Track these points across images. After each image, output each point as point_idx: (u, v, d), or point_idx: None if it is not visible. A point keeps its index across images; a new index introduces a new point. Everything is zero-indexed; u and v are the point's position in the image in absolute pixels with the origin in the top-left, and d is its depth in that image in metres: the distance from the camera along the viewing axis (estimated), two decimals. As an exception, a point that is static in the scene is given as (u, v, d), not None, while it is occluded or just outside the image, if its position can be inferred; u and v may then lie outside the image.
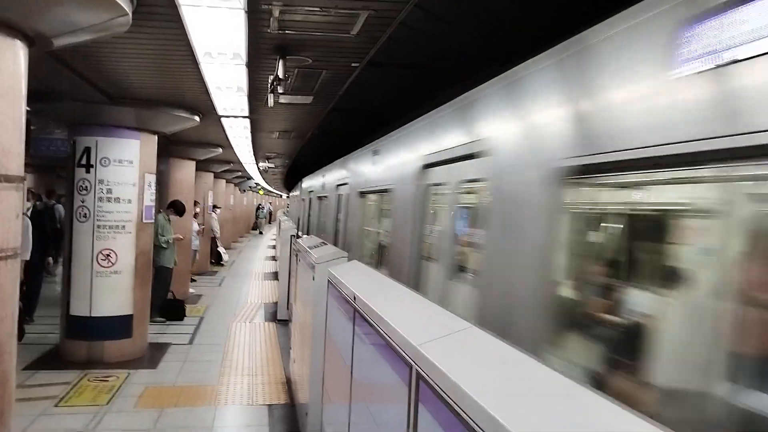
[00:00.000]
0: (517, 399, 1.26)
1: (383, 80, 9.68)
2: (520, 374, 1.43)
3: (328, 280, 3.75)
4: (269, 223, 43.50)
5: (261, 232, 35.64)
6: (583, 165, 2.19)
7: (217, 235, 16.93)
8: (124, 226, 6.88)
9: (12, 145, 3.01)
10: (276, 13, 3.82)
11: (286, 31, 4.25)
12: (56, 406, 5.48)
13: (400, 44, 8.19)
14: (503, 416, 1.12)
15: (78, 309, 6.81)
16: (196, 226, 12.71)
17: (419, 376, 1.66)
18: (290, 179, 30.60)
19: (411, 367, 1.74)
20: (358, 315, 2.71)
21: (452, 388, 1.38)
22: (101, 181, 6.75)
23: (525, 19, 6.47)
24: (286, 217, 18.50)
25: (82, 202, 6.72)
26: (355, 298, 2.77)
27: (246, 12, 3.62)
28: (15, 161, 3.05)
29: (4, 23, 2.88)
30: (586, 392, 1.23)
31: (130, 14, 3.29)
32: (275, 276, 14.28)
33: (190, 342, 8.10)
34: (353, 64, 5.27)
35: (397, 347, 1.92)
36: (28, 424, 5.00)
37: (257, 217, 37.67)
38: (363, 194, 6.90)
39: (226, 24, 3.87)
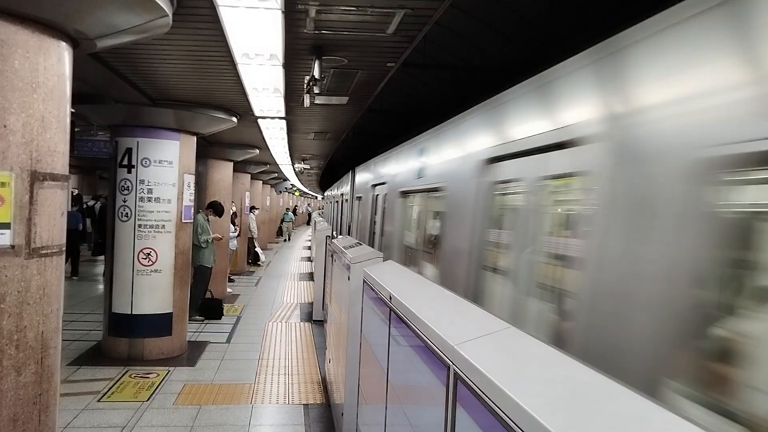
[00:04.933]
0: (559, 400, 1.22)
1: (418, 81, 9.65)
2: (560, 375, 1.38)
3: (364, 280, 3.74)
4: (308, 224, 41.44)
5: (287, 239, 29.93)
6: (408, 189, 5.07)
7: (255, 235, 17.15)
8: (164, 226, 7.02)
9: (57, 144, 3.08)
10: (312, 13, 3.83)
11: (323, 31, 4.26)
12: (99, 401, 5.61)
13: (436, 44, 8.16)
14: (545, 417, 1.08)
15: (120, 306, 6.97)
16: (232, 229, 12.87)
17: (457, 377, 1.63)
18: (325, 180, 30.81)
19: (449, 368, 1.71)
20: (394, 315, 2.68)
21: (491, 389, 1.34)
22: (142, 182, 6.90)
23: (556, 24, 6.37)
24: (321, 218, 18.61)
25: (124, 202, 6.88)
26: (391, 298, 2.74)
27: (283, 12, 3.64)
28: (60, 160, 3.13)
29: (49, 25, 2.95)
30: (630, 394, 1.18)
31: (171, 16, 3.34)
32: (311, 276, 14.38)
33: (228, 341, 8.21)
34: (389, 64, 5.25)
35: (435, 347, 1.89)
36: (72, 418, 5.13)
37: (282, 220, 30.76)
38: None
39: (263, 24, 3.90)
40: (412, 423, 2.31)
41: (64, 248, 3.25)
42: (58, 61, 3.06)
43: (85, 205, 18.13)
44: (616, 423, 1.11)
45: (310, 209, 53.15)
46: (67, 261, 13.06)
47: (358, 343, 3.92)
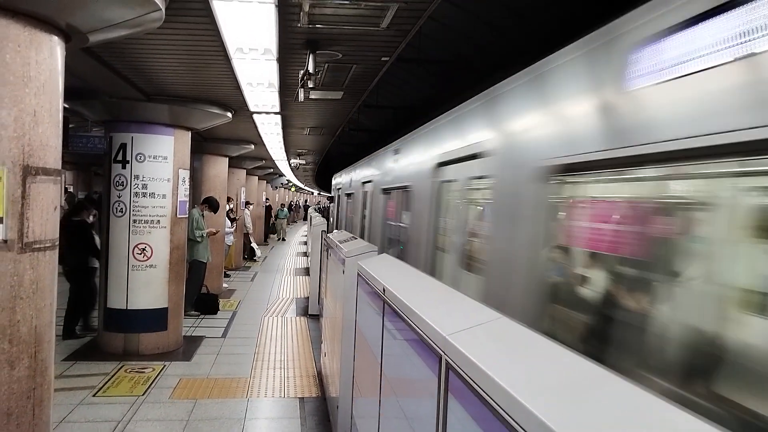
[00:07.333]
0: (548, 388, 1.23)
1: (413, 75, 9.63)
2: (551, 364, 1.39)
3: (358, 274, 3.75)
4: (304, 219, 40.14)
5: (283, 239, 27.22)
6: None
7: (250, 231, 17.13)
8: (159, 221, 7.01)
9: (49, 138, 3.08)
10: (306, 7, 3.82)
11: (317, 25, 4.25)
12: (94, 396, 5.62)
13: (430, 39, 8.14)
14: (534, 405, 1.09)
15: (115, 302, 6.97)
16: (228, 224, 12.84)
17: (449, 367, 1.64)
18: (321, 176, 30.68)
19: (440, 358, 1.72)
20: (387, 307, 2.69)
21: (482, 378, 1.35)
22: (137, 177, 6.88)
23: (548, 16, 6.35)
24: (316, 214, 18.58)
25: (119, 197, 6.87)
26: (384, 291, 2.75)
27: (276, 6, 3.64)
28: (52, 155, 3.12)
29: (41, 19, 2.94)
30: (619, 381, 1.20)
31: (163, 9, 3.33)
32: (307, 271, 14.40)
33: (224, 335, 8.22)
34: (383, 59, 5.25)
35: (427, 338, 1.90)
36: (68, 412, 5.13)
37: (276, 217, 27.39)
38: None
39: (257, 18, 3.89)
40: (406, 414, 2.32)
41: (57, 243, 3.24)
42: (50, 55, 3.05)
43: None
44: (604, 409, 1.12)
45: (308, 205, 53.75)
46: None
47: (352, 336, 3.93)
